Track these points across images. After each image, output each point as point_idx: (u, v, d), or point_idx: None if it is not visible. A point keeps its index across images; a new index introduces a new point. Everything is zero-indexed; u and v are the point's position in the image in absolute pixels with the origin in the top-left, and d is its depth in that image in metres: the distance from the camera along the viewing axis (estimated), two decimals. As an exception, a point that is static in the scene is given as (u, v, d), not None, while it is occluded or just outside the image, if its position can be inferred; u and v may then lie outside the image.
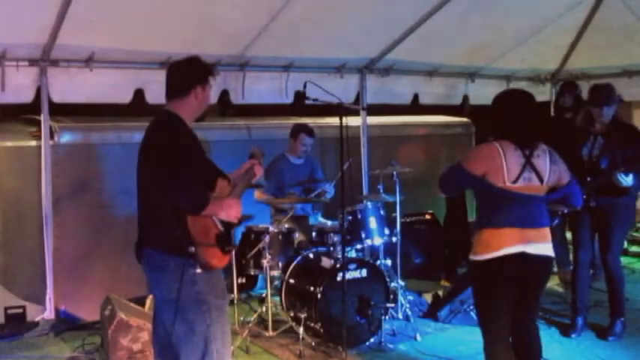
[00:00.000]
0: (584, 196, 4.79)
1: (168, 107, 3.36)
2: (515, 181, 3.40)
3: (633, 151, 4.75)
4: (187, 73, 3.38)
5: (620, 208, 4.89)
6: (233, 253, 5.04)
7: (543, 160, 3.47)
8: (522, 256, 3.43)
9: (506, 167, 3.39)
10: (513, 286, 3.50)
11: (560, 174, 3.54)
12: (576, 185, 3.63)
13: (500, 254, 3.42)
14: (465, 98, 7.67)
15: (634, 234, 7.82)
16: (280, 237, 5.31)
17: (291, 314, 5.11)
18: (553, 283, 6.34)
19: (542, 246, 3.48)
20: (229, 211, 3.19)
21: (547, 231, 3.54)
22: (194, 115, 3.38)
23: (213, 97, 5.86)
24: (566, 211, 4.70)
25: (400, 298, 5.47)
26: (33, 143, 5.47)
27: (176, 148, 3.12)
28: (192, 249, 3.06)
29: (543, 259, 3.51)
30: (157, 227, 3.17)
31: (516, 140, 3.44)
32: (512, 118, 3.51)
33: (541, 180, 3.45)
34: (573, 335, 5.03)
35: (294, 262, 5.18)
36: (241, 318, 5.38)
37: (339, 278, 4.77)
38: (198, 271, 3.13)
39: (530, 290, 3.60)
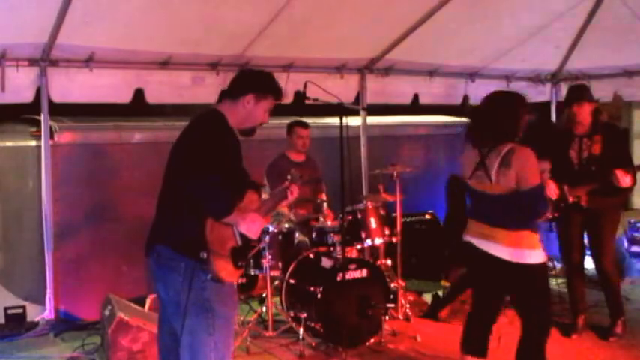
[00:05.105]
0: (576, 198, 4.83)
1: (218, 107, 3.25)
2: (470, 177, 3.73)
3: (619, 152, 4.80)
4: (248, 79, 3.29)
5: (609, 210, 4.91)
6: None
7: (494, 161, 3.59)
8: (474, 247, 3.71)
9: (465, 164, 3.78)
10: (479, 277, 3.84)
11: (512, 178, 3.51)
12: (535, 196, 3.52)
13: (465, 240, 3.81)
14: (465, 98, 7.66)
15: (634, 234, 7.80)
16: (280, 237, 5.31)
17: (291, 314, 5.11)
18: (553, 283, 6.33)
19: (493, 245, 3.60)
20: (251, 225, 3.06)
21: (502, 232, 3.57)
22: (241, 124, 3.23)
23: (213, 96, 5.86)
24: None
25: (400, 298, 5.47)
26: (33, 143, 5.48)
27: (215, 149, 3.00)
28: (204, 255, 2.95)
29: (491, 258, 3.60)
30: (174, 225, 3.06)
31: (472, 141, 3.74)
32: (471, 121, 3.93)
33: (490, 179, 3.60)
34: (574, 336, 5.03)
35: (294, 262, 5.18)
36: (241, 318, 5.38)
37: (339, 278, 4.77)
38: (209, 277, 3.01)
39: (493, 289, 3.79)
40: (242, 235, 3.08)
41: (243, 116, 3.22)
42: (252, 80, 3.29)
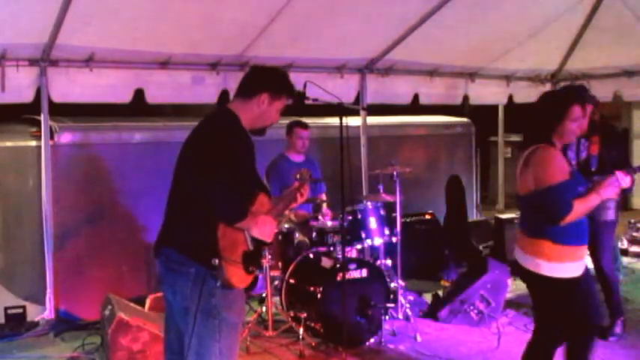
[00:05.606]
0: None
1: (229, 105, 3.14)
2: (517, 179, 3.54)
3: (617, 152, 4.81)
4: (263, 77, 3.18)
5: (607, 210, 4.91)
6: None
7: (520, 162, 3.50)
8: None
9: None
10: None
11: (531, 178, 3.40)
12: (549, 196, 3.33)
13: None
14: (465, 98, 7.67)
15: (634, 234, 7.81)
16: (280, 237, 5.31)
17: (291, 314, 5.11)
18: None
19: (520, 253, 3.50)
20: (263, 228, 2.97)
21: (525, 239, 3.47)
22: (253, 124, 3.11)
23: (213, 96, 5.87)
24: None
25: (400, 298, 5.47)
26: (33, 143, 5.47)
27: (229, 151, 2.89)
28: (216, 262, 2.86)
29: (518, 265, 3.52)
30: (184, 229, 2.97)
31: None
32: None
33: (518, 181, 3.52)
34: (573, 335, 5.03)
35: (294, 262, 5.18)
36: (241, 318, 5.38)
37: (339, 278, 4.77)
38: (219, 284, 2.91)
39: None
40: (253, 240, 3.01)
41: (256, 115, 3.11)
42: (267, 79, 3.18)
